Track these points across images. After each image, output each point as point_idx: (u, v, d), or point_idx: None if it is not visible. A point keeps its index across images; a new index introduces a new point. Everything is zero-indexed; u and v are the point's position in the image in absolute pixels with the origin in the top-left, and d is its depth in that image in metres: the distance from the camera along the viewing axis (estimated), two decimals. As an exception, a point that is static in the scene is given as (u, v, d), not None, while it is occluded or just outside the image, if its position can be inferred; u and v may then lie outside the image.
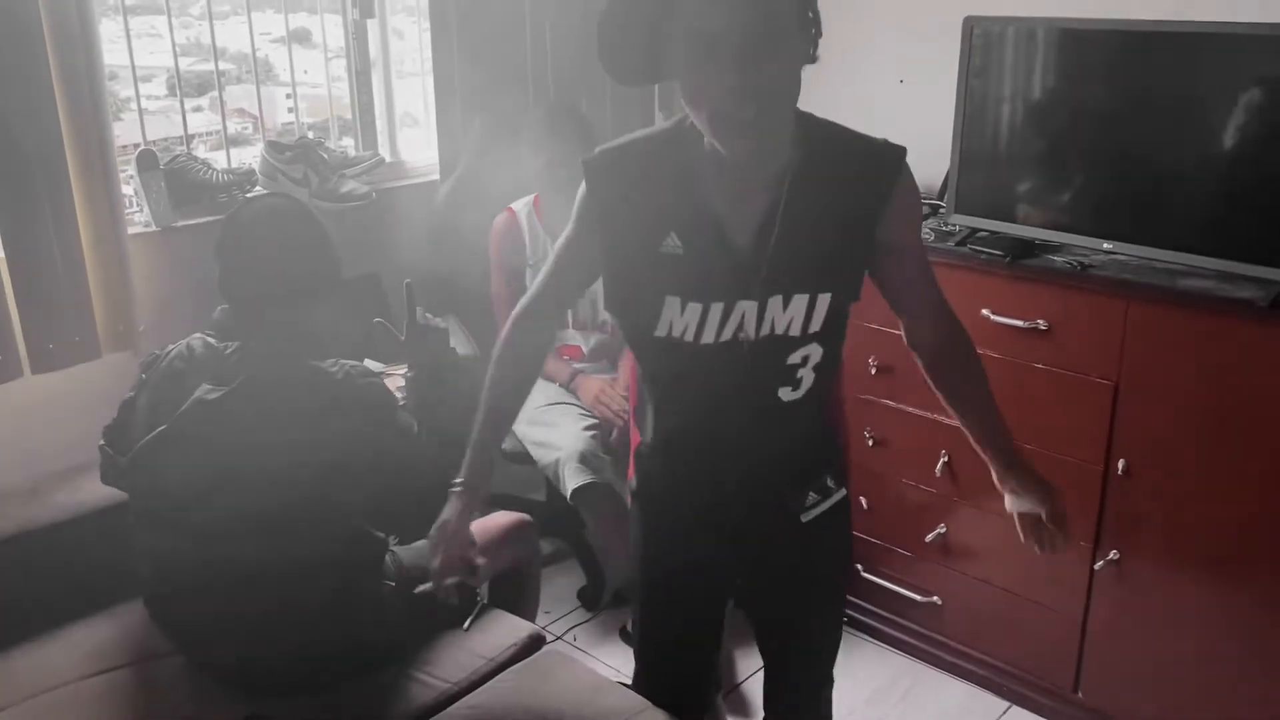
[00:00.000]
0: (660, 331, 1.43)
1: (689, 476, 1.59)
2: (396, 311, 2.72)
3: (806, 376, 1.46)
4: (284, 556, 1.72)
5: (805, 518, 1.58)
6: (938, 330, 1.57)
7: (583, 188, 1.46)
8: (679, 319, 1.42)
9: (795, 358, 1.44)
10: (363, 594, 1.85)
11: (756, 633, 1.78)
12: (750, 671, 2.54)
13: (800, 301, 1.40)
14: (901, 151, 1.42)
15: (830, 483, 1.61)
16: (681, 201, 1.40)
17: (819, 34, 1.34)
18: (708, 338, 1.42)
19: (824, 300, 1.41)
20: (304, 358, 1.77)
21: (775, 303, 1.40)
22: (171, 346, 1.82)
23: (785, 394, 1.47)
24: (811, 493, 1.59)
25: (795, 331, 1.42)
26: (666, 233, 1.40)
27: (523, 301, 1.58)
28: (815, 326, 1.42)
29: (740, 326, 1.41)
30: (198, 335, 1.82)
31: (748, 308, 1.40)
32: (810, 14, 1.33)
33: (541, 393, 2.72)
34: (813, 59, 1.34)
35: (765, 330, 1.41)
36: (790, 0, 1.29)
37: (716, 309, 1.40)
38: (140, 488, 1.80)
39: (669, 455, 1.59)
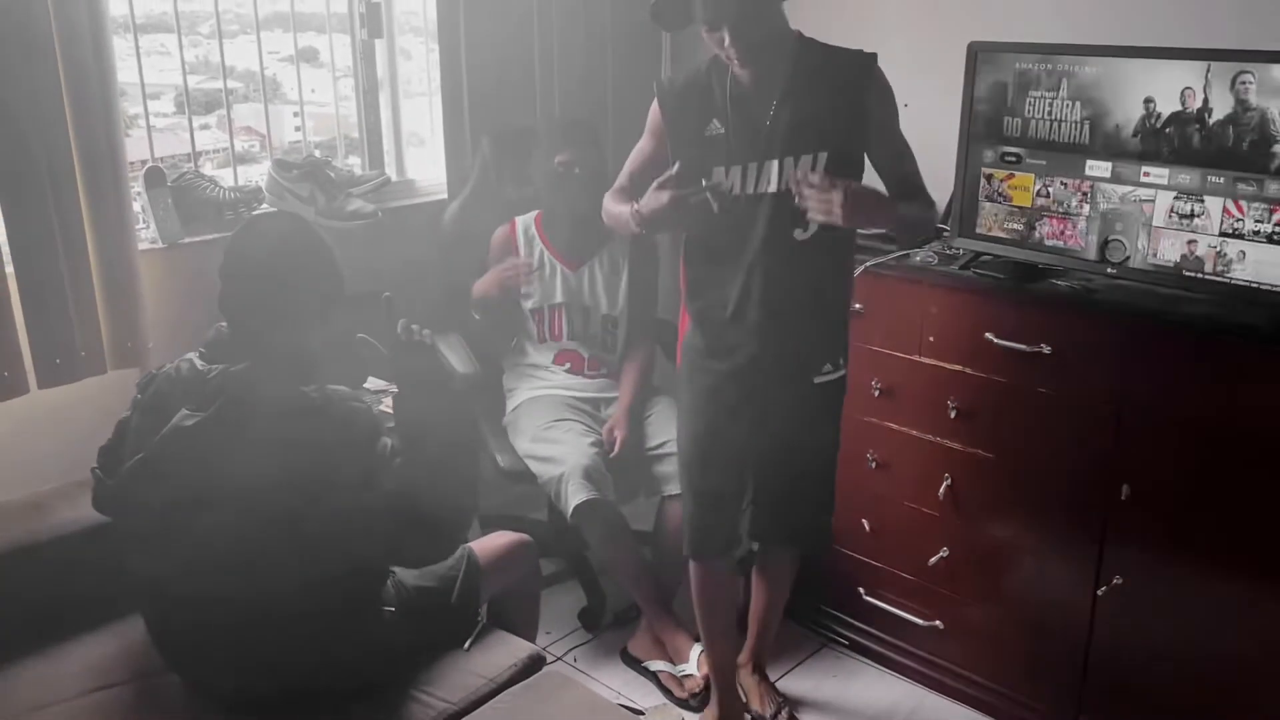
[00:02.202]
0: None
1: (730, 321, 2.09)
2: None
3: (813, 221, 1.97)
4: (269, 584, 1.69)
5: (817, 380, 2.15)
6: (911, 192, 2.08)
7: (654, 105, 2.12)
8: (725, 180, 2.01)
9: None
10: (360, 622, 1.83)
11: (756, 484, 2.27)
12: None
13: (806, 161, 1.98)
14: (872, 56, 2.02)
15: (841, 360, 2.19)
16: (719, 99, 2.04)
17: None
18: (747, 189, 2.02)
19: (823, 158, 1.98)
20: (286, 382, 1.71)
21: (789, 162, 1.98)
22: (166, 366, 1.79)
23: (798, 234, 2.02)
24: (828, 364, 2.16)
25: None
26: (709, 120, 2.04)
27: (612, 190, 2.20)
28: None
29: (768, 181, 2.00)
30: (188, 356, 1.78)
31: (771, 166, 1.99)
32: None
33: (544, 410, 2.72)
34: None
35: (784, 184, 1.96)
36: None
37: (752, 168, 2.01)
38: (124, 514, 1.79)
39: (721, 301, 2.09)
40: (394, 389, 2.43)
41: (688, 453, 2.26)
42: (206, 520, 1.68)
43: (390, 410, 1.93)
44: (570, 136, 2.77)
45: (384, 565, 1.91)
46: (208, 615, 1.73)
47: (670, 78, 2.14)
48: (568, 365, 2.82)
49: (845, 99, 2.00)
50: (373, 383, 2.63)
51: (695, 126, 2.05)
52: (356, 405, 1.78)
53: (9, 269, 2.20)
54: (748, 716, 2.50)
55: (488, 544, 2.16)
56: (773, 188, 2.00)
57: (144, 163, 2.57)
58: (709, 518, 2.29)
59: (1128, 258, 2.19)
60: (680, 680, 2.59)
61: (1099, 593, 2.25)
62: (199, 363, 1.76)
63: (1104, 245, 2.22)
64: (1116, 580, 2.23)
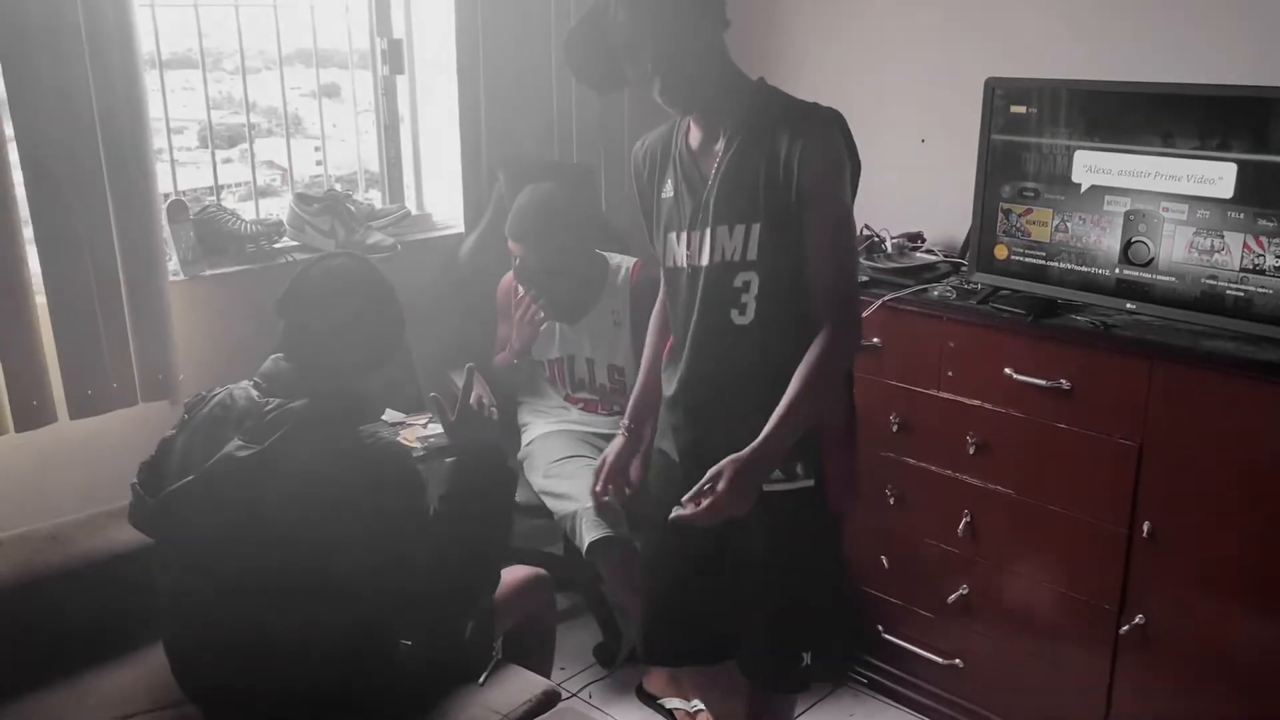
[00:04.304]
0: (670, 262, 1.85)
1: (671, 401, 1.89)
2: (416, 363, 2.74)
3: (750, 303, 1.75)
4: (301, 617, 1.68)
5: (766, 488, 1.75)
6: (822, 310, 1.72)
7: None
8: (677, 249, 1.82)
9: (739, 281, 1.74)
10: (378, 654, 1.82)
11: (713, 593, 1.95)
12: None
13: (739, 231, 1.73)
14: (827, 112, 1.72)
15: (799, 469, 1.80)
16: (672, 160, 1.84)
17: (719, 3, 1.72)
18: (692, 261, 1.79)
19: (755, 229, 1.71)
20: (343, 424, 1.72)
21: (723, 231, 1.74)
22: (218, 390, 1.79)
23: (736, 317, 1.76)
24: (778, 470, 1.77)
25: (736, 257, 1.74)
26: (664, 182, 1.85)
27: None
28: (752, 254, 1.73)
29: (704, 252, 1.77)
30: (244, 384, 1.79)
31: (722, 230, 1.74)
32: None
33: (558, 446, 2.72)
34: (724, 25, 1.73)
35: (718, 256, 1.75)
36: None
37: (695, 236, 1.78)
38: (164, 534, 1.79)
39: (671, 380, 1.89)
40: (417, 420, 2.43)
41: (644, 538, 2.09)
42: (243, 550, 1.68)
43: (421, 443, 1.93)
44: (516, 228, 2.64)
45: (398, 620, 1.87)
46: (230, 643, 1.72)
47: (641, 142, 1.94)
48: (581, 404, 2.83)
49: (783, 162, 1.68)
50: (390, 414, 2.65)
51: (656, 188, 1.87)
52: (406, 459, 1.79)
53: (40, 298, 2.22)
54: None
55: (503, 577, 2.15)
56: (705, 260, 1.77)
57: (167, 196, 2.60)
58: (653, 610, 2.06)
59: (1153, 259, 2.18)
60: (693, 716, 2.57)
61: (1121, 631, 2.23)
62: (254, 393, 1.76)
63: (1127, 248, 2.22)
64: (1139, 619, 2.20)
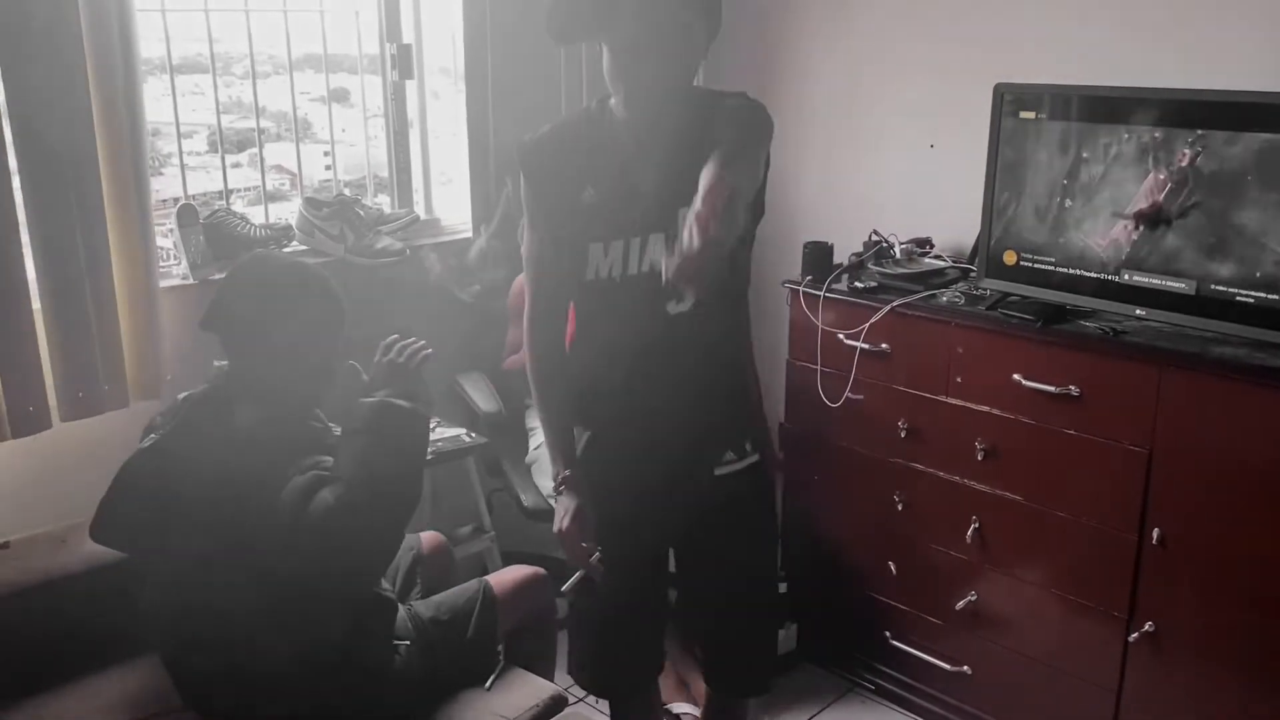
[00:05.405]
0: (589, 275, 1.71)
1: (621, 415, 1.78)
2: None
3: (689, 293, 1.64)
4: (263, 608, 1.68)
5: (719, 471, 1.79)
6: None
7: (521, 179, 1.76)
8: (604, 261, 1.70)
9: None
10: (371, 656, 1.82)
11: (685, 597, 1.94)
12: None
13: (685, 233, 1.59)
14: (760, 115, 1.66)
15: (748, 446, 1.82)
16: (597, 162, 1.70)
17: (716, 33, 1.68)
18: (631, 270, 1.69)
19: None
20: (241, 407, 1.72)
21: (656, 239, 1.67)
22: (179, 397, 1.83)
23: (672, 307, 1.70)
24: (730, 452, 1.80)
25: None
26: (584, 187, 1.70)
27: (527, 312, 1.80)
28: None
29: (646, 259, 1.68)
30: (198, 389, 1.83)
31: (656, 238, 1.67)
32: (716, 20, 1.66)
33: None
34: (705, 55, 1.67)
35: (649, 265, 1.67)
36: (701, 13, 1.61)
37: (635, 243, 1.68)
38: (116, 544, 1.83)
39: (601, 396, 1.79)
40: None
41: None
42: (175, 538, 1.69)
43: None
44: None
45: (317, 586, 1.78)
46: (212, 647, 1.72)
47: (533, 136, 1.74)
48: None
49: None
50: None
51: (568, 194, 1.70)
52: (305, 425, 1.79)
53: (36, 304, 2.22)
54: None
55: (503, 578, 2.16)
56: (638, 269, 1.69)
57: (177, 200, 2.61)
58: (605, 637, 1.93)
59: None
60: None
61: (1130, 639, 2.21)
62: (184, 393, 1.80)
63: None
64: (1148, 626, 2.19)
